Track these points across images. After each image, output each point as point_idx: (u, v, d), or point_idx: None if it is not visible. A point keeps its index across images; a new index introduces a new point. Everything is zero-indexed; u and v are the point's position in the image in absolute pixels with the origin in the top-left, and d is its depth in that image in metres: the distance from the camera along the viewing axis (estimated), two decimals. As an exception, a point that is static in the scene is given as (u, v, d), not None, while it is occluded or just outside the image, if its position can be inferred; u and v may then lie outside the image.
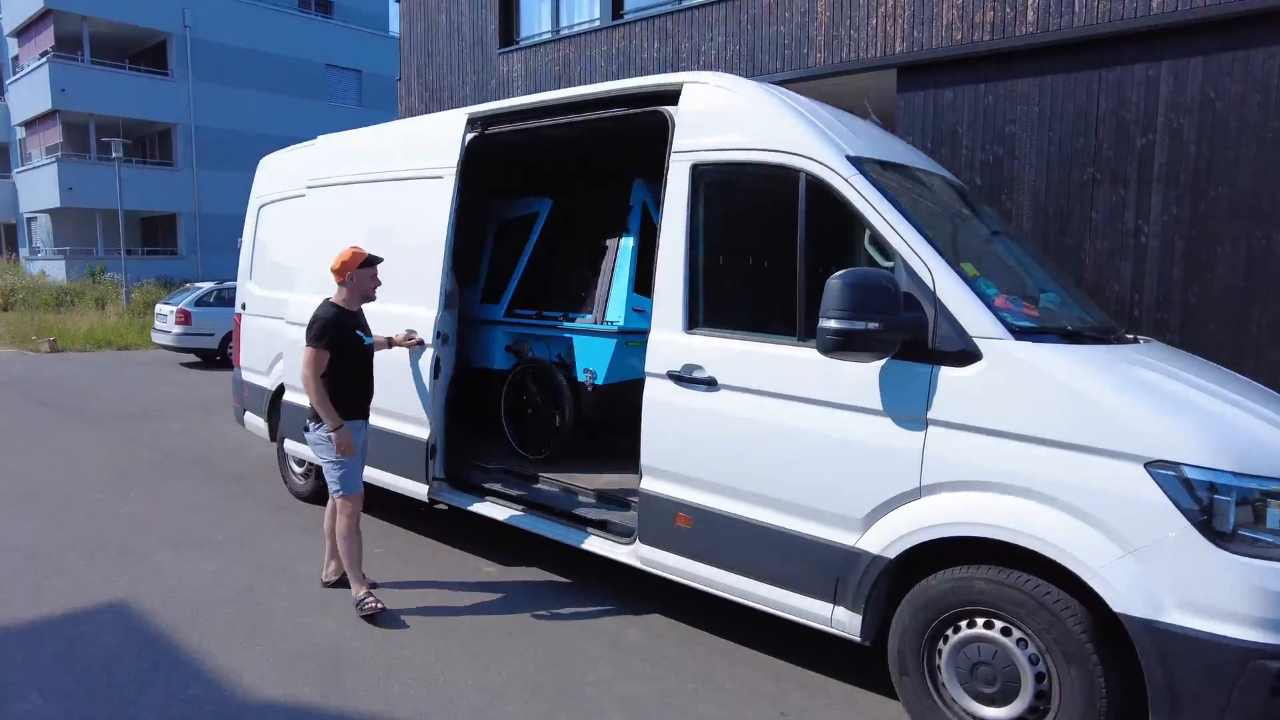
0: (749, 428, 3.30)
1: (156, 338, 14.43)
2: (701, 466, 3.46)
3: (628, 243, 4.66)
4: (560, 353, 4.82)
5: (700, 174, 3.54)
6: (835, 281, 2.82)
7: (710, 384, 3.42)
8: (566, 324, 4.79)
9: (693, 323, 3.52)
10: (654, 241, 4.80)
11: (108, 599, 4.09)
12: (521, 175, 5.62)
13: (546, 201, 5.28)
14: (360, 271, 4.14)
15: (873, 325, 2.80)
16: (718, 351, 3.41)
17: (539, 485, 4.62)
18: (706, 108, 3.56)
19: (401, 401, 4.71)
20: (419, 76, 15.45)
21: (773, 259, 3.48)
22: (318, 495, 5.74)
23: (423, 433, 4.61)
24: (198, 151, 28.04)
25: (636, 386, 4.89)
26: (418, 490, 4.67)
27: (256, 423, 6.28)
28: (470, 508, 4.55)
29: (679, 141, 3.62)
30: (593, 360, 4.58)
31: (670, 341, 3.56)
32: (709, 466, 3.44)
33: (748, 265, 3.64)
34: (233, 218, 27.54)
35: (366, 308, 4.90)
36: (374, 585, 4.16)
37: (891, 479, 2.95)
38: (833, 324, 2.82)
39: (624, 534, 3.97)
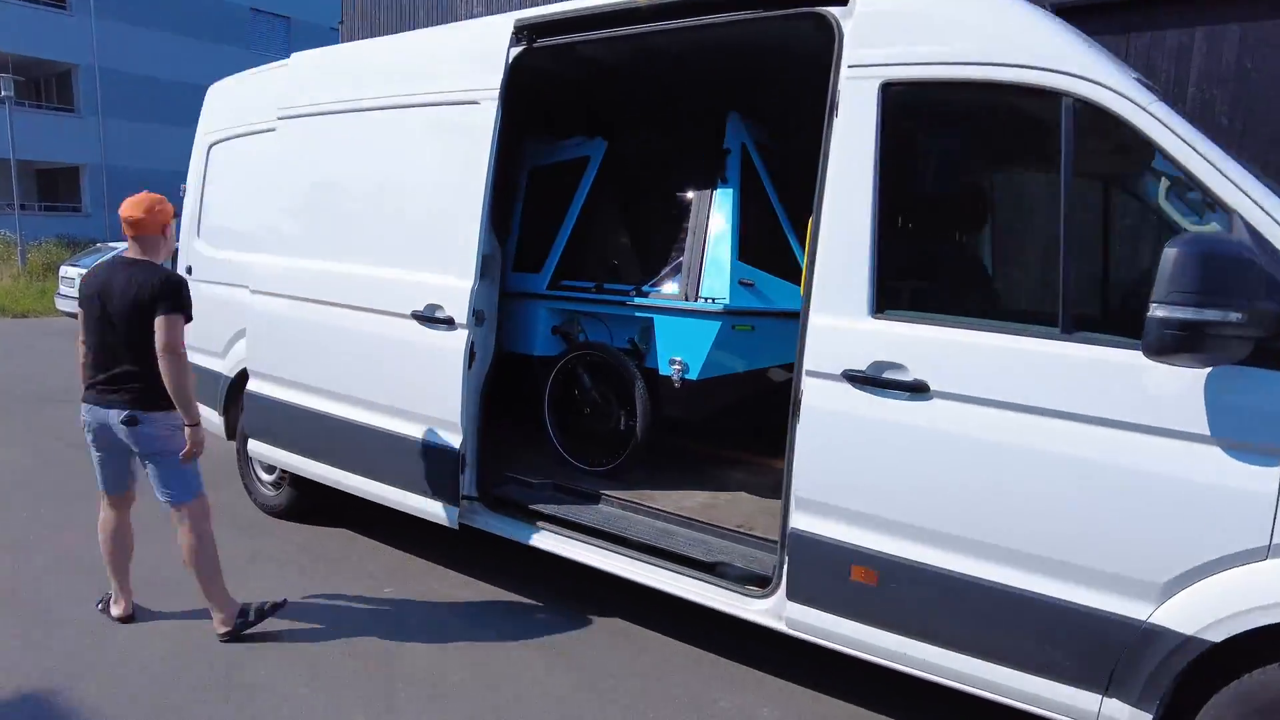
0: (981, 453, 2.36)
1: (62, 304, 12.57)
2: (899, 503, 2.51)
3: (726, 195, 3.62)
4: (632, 337, 3.77)
5: (894, 96, 2.54)
6: (1180, 251, 1.90)
7: (916, 390, 2.45)
8: (642, 300, 3.72)
9: (882, 304, 2.54)
10: (759, 194, 3.85)
11: (18, 684, 2.88)
12: (562, 108, 4.48)
13: (599, 143, 4.17)
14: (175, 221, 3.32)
15: (1234, 316, 1.89)
16: (929, 345, 2.45)
17: (605, 507, 3.60)
18: (901, 7, 2.56)
19: (420, 397, 3.60)
20: (362, 19, 13.82)
21: (1011, 215, 2.54)
22: (294, 508, 4.56)
23: (451, 438, 3.51)
24: (104, 97, 25.20)
25: (735, 381, 3.97)
26: (442, 513, 3.58)
27: (208, 417, 4.99)
28: (516, 538, 3.50)
29: (857, 52, 2.60)
30: (685, 348, 3.55)
31: (847, 330, 2.58)
32: (912, 504, 2.49)
33: (970, 223, 2.67)
34: (146, 173, 24.98)
35: (372, 274, 3.79)
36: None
37: (1222, 532, 2.07)
38: (1177, 313, 1.90)
39: (746, 581, 3.01)
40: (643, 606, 3.52)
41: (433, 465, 3.57)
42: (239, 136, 4.86)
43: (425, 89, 3.64)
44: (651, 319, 3.70)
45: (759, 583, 2.98)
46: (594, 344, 3.90)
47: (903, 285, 2.55)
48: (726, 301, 3.40)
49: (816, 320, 2.63)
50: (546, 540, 3.45)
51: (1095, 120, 2.24)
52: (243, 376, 4.56)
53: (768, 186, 3.75)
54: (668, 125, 4.12)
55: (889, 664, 2.60)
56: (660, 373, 3.71)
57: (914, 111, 2.55)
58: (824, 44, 2.68)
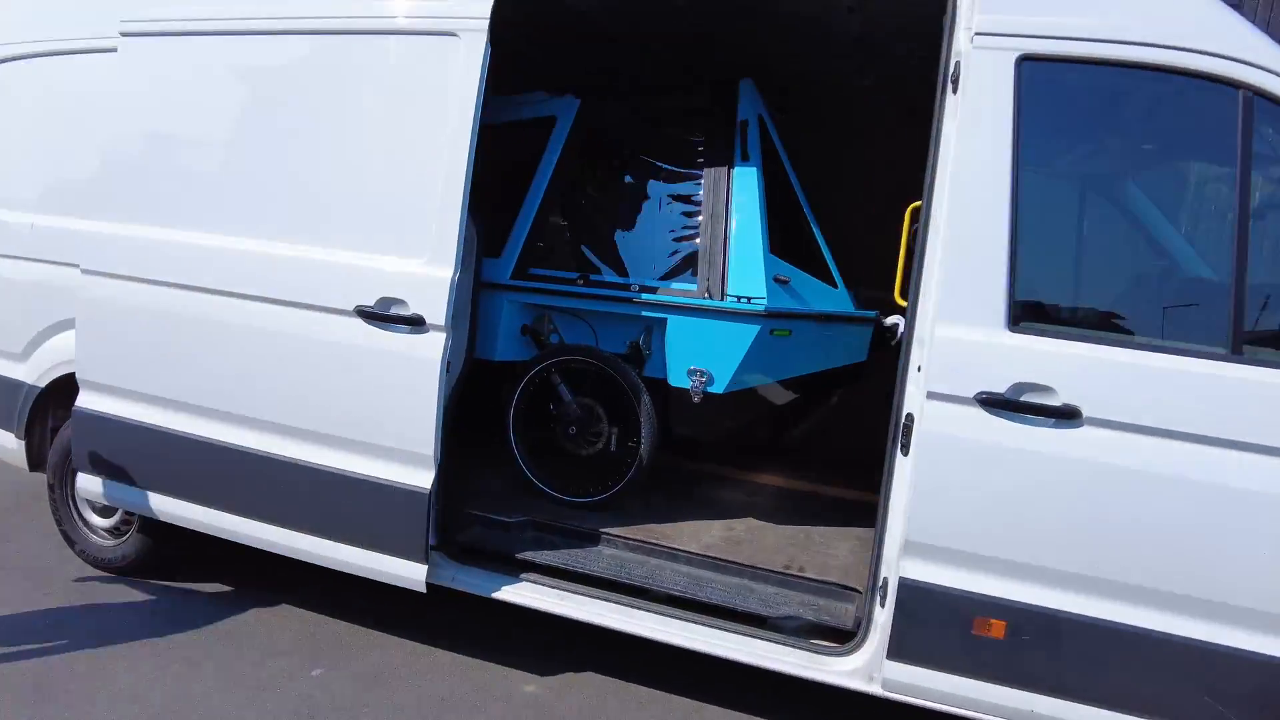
0: (1146, 488, 2.08)
1: None
2: (1040, 546, 2.18)
3: (750, 175, 3.09)
4: (635, 340, 3.14)
5: (1034, 73, 2.18)
6: None
7: (1065, 416, 2.12)
8: (651, 296, 3.08)
9: (1018, 315, 2.19)
10: (779, 175, 3.35)
11: None
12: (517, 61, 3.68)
13: (570, 101, 3.46)
14: None
15: None
16: (1082, 365, 2.13)
17: (609, 550, 2.97)
18: (1036, -34, 2.21)
19: (369, 422, 2.74)
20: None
21: (1170, 218, 2.28)
22: (146, 562, 3.41)
23: (416, 475, 2.70)
24: None
25: (754, 394, 3.45)
26: (406, 573, 2.75)
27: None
28: (497, 596, 2.77)
29: (986, 18, 2.21)
30: (710, 355, 2.97)
31: (982, 345, 2.19)
32: (1058, 546, 2.17)
33: (1121, 226, 2.37)
34: None
35: (291, 255, 2.85)
36: None
37: None
38: None
39: (810, 635, 2.57)
40: (617, 657, 2.97)
41: (389, 511, 2.73)
42: (46, 55, 3.53)
43: (378, 11, 2.75)
44: (662, 319, 3.09)
45: (831, 636, 2.56)
46: (582, 348, 3.21)
47: (1043, 294, 2.21)
48: (766, 301, 2.90)
49: (944, 332, 2.22)
50: (540, 597, 2.76)
51: (1275, 116, 2.02)
52: (64, 388, 3.34)
53: (788, 167, 3.29)
54: (657, 88, 3.50)
55: (1012, 726, 2.28)
56: (669, 383, 3.12)
57: (1057, 92, 2.20)
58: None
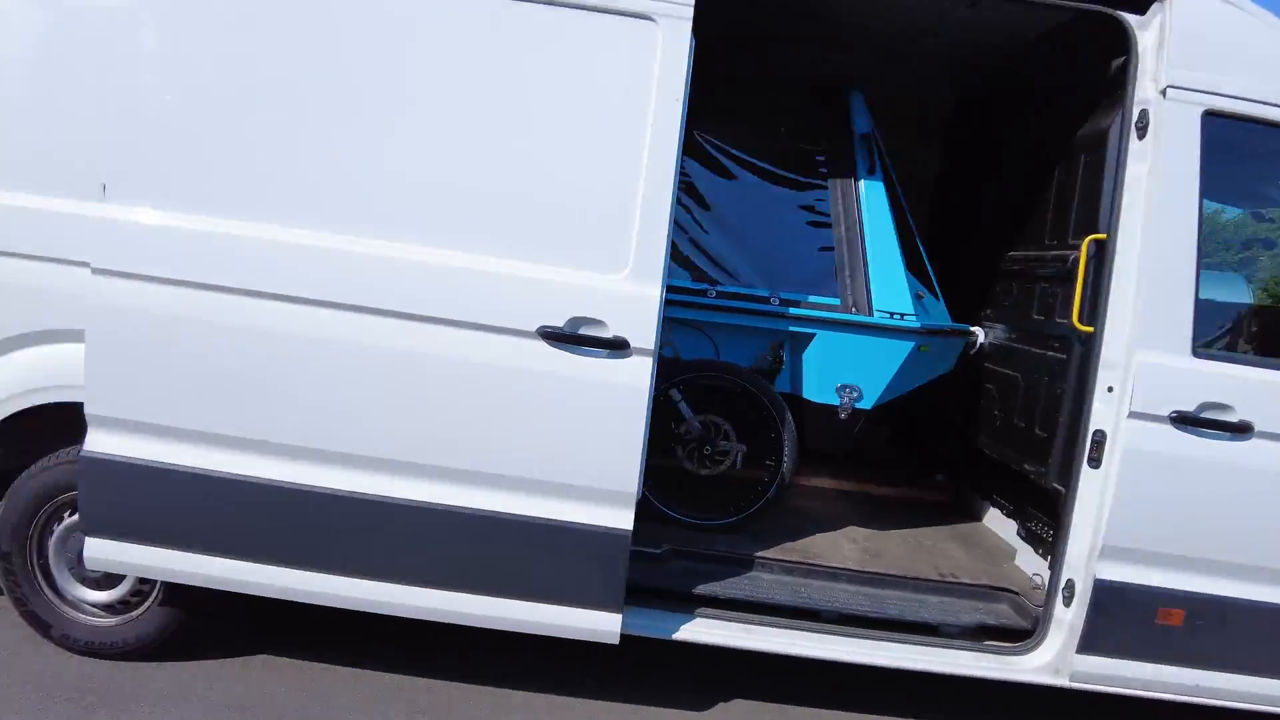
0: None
1: None
2: (1219, 543, 2.53)
3: (878, 190, 3.10)
4: (765, 354, 3.01)
5: (1216, 129, 2.48)
6: None
7: (1239, 431, 2.48)
8: (798, 310, 2.98)
9: (1200, 342, 2.50)
10: (893, 192, 3.39)
11: None
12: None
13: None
14: None
15: None
16: (1255, 387, 2.49)
17: (766, 575, 2.87)
18: (1223, 32, 2.51)
19: (563, 458, 2.40)
20: None
21: None
22: (161, 640, 2.70)
23: (616, 516, 2.42)
24: None
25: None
26: (599, 624, 2.46)
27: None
28: (683, 637, 2.58)
29: (1177, 73, 2.47)
30: (862, 371, 2.95)
31: (1175, 369, 2.47)
32: (1233, 542, 2.53)
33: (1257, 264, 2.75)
34: None
35: (442, 264, 2.41)
36: None
37: None
38: None
39: (976, 634, 2.75)
40: (748, 678, 2.92)
41: (579, 556, 2.42)
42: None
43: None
44: (801, 334, 3.02)
45: (998, 637, 2.75)
46: (720, 363, 3.03)
47: (1219, 324, 2.55)
48: (915, 318, 2.97)
49: (1142, 358, 2.46)
50: (725, 633, 2.62)
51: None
52: (23, 418, 2.51)
53: (897, 186, 3.36)
54: (749, 92, 3.37)
55: (1180, 698, 2.63)
56: (804, 398, 3.08)
57: (1228, 146, 2.52)
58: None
